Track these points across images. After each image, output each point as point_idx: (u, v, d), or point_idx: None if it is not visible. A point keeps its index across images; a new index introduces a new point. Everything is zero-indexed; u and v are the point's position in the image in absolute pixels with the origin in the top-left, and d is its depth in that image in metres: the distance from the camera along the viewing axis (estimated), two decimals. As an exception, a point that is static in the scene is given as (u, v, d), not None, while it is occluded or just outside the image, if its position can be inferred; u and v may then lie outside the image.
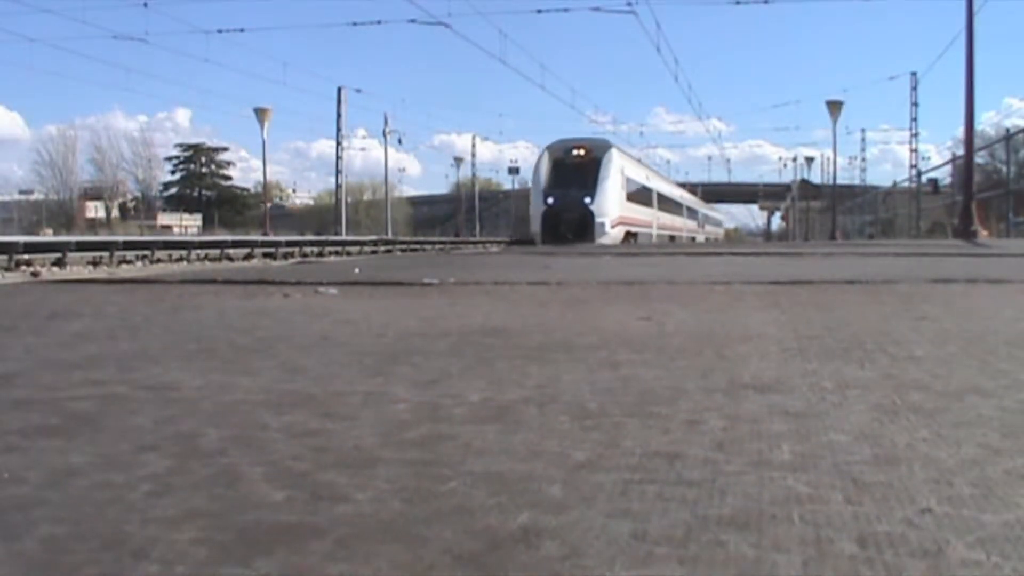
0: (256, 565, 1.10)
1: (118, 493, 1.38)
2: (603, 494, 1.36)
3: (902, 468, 1.49)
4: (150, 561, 1.11)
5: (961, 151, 23.75)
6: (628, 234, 35.93)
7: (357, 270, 7.78)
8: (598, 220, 32.67)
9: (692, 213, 62.95)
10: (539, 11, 32.55)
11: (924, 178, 34.73)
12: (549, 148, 35.98)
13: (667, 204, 49.90)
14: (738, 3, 33.32)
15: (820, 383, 2.27)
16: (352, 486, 1.41)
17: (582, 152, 35.21)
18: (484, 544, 1.16)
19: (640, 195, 40.79)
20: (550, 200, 33.53)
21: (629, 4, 27.61)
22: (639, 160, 47.20)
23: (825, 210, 51.12)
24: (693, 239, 56.99)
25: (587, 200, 33.10)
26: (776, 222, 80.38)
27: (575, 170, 34.03)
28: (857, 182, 62.47)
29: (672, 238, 48.19)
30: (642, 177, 43.07)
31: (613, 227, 33.44)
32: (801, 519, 1.25)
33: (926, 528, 1.21)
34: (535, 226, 33.59)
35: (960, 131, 23.46)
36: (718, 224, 78.64)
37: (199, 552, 1.14)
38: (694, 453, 1.60)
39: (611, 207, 33.78)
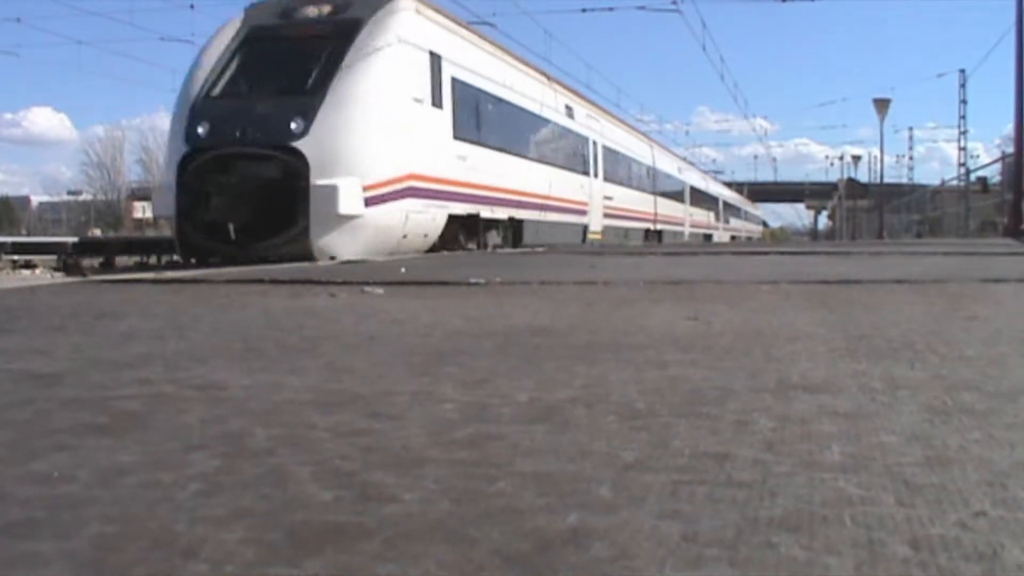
0: (305, 565, 1.10)
1: (167, 492, 1.38)
2: (652, 495, 1.35)
3: (955, 470, 1.47)
4: (199, 560, 1.11)
5: (1010, 148, 23.52)
6: (456, 221, 15.43)
7: (403, 270, 7.79)
8: (319, 184, 11.92)
9: (705, 199, 44.04)
10: (584, 10, 31.74)
11: (973, 176, 34.27)
12: (249, 9, 14.61)
13: (632, 171, 29.23)
14: (784, 0, 33.19)
15: (870, 383, 2.24)
16: (400, 486, 1.40)
17: (323, 9, 14.02)
18: (533, 545, 1.16)
19: (538, 130, 20.06)
20: (201, 130, 12.69)
21: (674, 2, 27.32)
22: (542, 73, 21.49)
23: (872, 209, 50.78)
24: (708, 237, 41.84)
25: (293, 126, 12.23)
26: (823, 221, 79.94)
27: (288, 55, 13.55)
28: (904, 180, 62.06)
29: (655, 235, 31.06)
30: (567, 102, 22.08)
31: (375, 202, 12.61)
32: (853, 521, 1.23)
33: (980, 531, 1.19)
34: (161, 203, 13.32)
35: (1009, 128, 23.23)
36: (752, 219, 72.94)
37: (248, 552, 1.14)
38: (744, 454, 1.58)
39: (367, 147, 12.62)
